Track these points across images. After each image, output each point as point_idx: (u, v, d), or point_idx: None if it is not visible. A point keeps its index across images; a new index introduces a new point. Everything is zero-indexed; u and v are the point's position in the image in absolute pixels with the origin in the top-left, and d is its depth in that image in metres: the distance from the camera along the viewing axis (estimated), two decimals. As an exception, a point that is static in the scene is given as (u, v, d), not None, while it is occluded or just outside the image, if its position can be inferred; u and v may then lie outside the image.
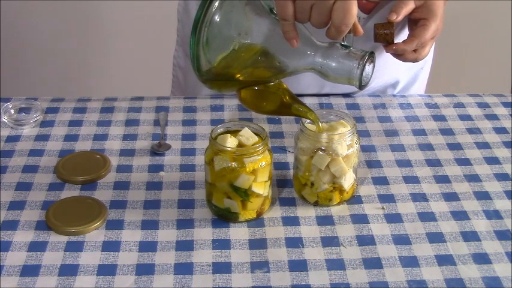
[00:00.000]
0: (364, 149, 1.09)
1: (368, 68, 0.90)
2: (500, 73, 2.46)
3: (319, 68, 0.91)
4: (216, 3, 0.89)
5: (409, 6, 1.05)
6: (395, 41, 1.06)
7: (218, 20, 0.90)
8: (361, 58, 0.89)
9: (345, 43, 0.90)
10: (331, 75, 0.91)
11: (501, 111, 1.20)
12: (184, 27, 1.30)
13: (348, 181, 0.94)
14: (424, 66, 1.30)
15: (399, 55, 1.07)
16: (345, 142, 0.93)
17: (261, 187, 0.91)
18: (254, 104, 0.98)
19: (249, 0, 0.92)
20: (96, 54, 2.43)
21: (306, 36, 0.91)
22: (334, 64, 0.90)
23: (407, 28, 1.11)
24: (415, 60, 1.09)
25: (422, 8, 1.06)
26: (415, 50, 1.07)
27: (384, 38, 1.05)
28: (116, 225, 0.92)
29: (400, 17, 1.04)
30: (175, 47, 1.35)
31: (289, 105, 0.96)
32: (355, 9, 0.86)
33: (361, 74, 0.89)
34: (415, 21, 1.08)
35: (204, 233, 0.91)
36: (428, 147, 1.10)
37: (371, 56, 0.90)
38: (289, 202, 0.97)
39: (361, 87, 0.91)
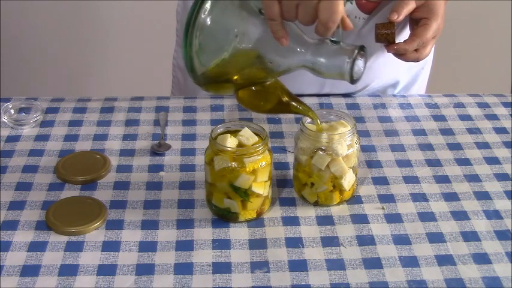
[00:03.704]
0: (364, 149, 1.09)
1: (360, 62, 0.90)
2: (500, 73, 2.46)
3: (310, 65, 0.91)
4: (207, 5, 0.89)
5: (410, 6, 1.05)
6: (397, 41, 1.06)
7: (209, 23, 0.90)
8: (351, 52, 0.89)
9: (335, 39, 0.90)
10: (323, 71, 0.91)
11: (501, 111, 1.20)
12: (183, 28, 1.30)
13: (348, 181, 0.94)
14: (424, 66, 1.30)
15: (400, 55, 1.07)
16: (345, 142, 0.93)
17: (261, 187, 0.91)
18: (252, 104, 0.98)
19: (239, 1, 0.92)
20: (96, 54, 2.43)
21: (296, 34, 0.91)
22: (324, 60, 0.90)
23: (409, 28, 1.11)
24: (416, 60, 1.09)
25: (423, 8, 1.06)
26: (416, 50, 1.07)
27: (385, 37, 1.05)
28: (116, 225, 0.92)
29: (401, 17, 1.04)
30: (174, 48, 1.35)
31: (287, 104, 0.96)
32: (340, 6, 0.86)
33: (352, 68, 0.89)
34: (416, 21, 1.08)
35: (204, 233, 0.91)
36: (428, 147, 1.10)
37: (361, 50, 0.90)
38: (289, 202, 0.97)
39: (352, 81, 0.91)
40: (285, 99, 0.96)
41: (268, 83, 0.96)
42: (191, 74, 0.93)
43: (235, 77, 0.95)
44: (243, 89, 0.96)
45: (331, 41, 0.90)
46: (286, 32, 0.90)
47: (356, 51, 0.89)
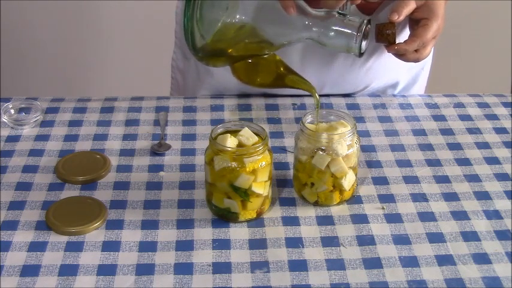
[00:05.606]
0: (364, 149, 1.09)
1: (366, 35, 0.90)
2: (500, 73, 2.46)
3: (316, 38, 0.90)
4: None
5: (410, 6, 1.05)
6: (397, 41, 1.06)
7: None
8: (360, 26, 0.88)
9: (342, 11, 0.90)
10: (329, 44, 0.91)
11: (501, 111, 1.20)
12: (182, 29, 1.30)
13: (348, 181, 0.94)
14: (424, 67, 1.30)
15: (401, 55, 1.07)
16: (345, 142, 0.93)
17: (261, 187, 0.91)
18: (249, 77, 0.97)
19: None
20: (96, 55, 2.43)
21: (302, 6, 0.90)
22: (332, 33, 0.90)
23: (409, 28, 1.11)
24: (416, 60, 1.09)
25: (423, 8, 1.06)
26: (416, 50, 1.07)
27: (386, 38, 1.05)
28: (116, 225, 0.92)
29: (402, 17, 1.04)
30: (173, 49, 1.35)
31: (284, 77, 0.95)
32: None
33: (360, 42, 0.89)
34: (416, 21, 1.08)
35: (204, 233, 0.91)
36: (428, 147, 1.10)
37: (368, 24, 0.89)
38: (289, 202, 0.97)
39: (360, 55, 0.90)
40: (282, 71, 0.95)
41: (265, 56, 0.95)
42: (191, 49, 0.92)
43: (236, 50, 0.94)
44: (239, 63, 0.95)
45: (338, 13, 0.90)
46: (294, 1, 0.89)
47: (364, 26, 0.88)
